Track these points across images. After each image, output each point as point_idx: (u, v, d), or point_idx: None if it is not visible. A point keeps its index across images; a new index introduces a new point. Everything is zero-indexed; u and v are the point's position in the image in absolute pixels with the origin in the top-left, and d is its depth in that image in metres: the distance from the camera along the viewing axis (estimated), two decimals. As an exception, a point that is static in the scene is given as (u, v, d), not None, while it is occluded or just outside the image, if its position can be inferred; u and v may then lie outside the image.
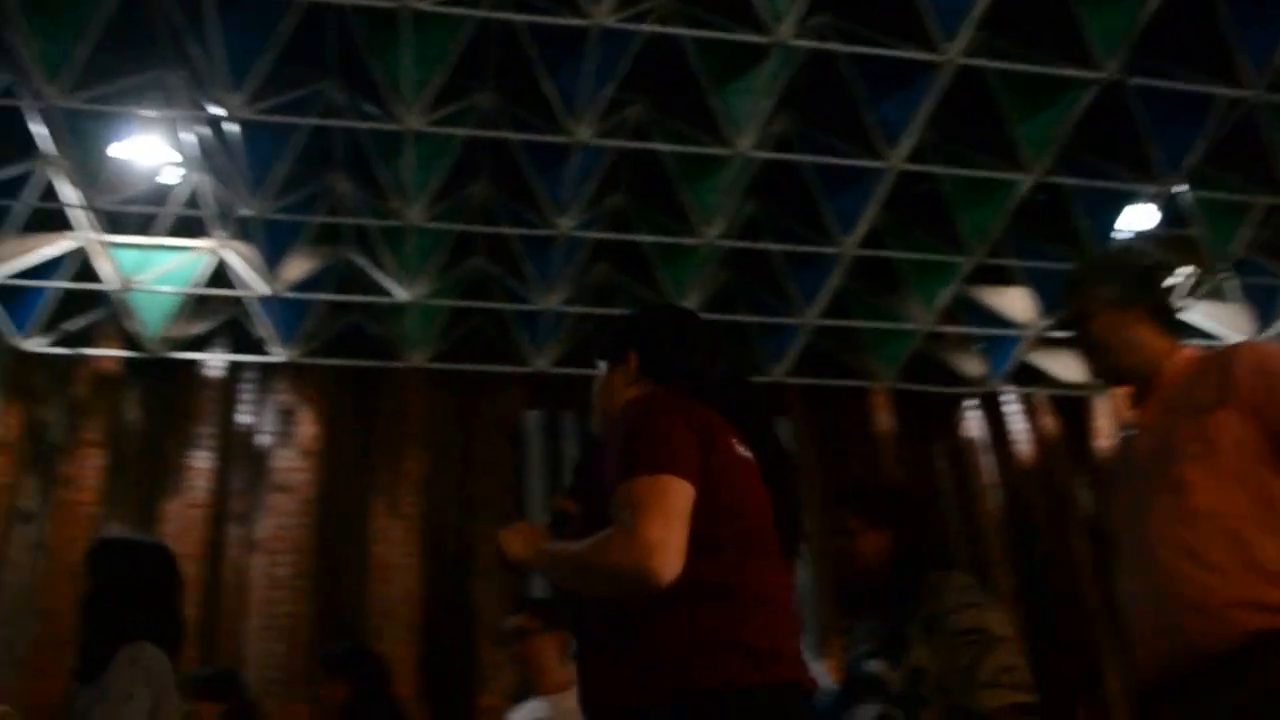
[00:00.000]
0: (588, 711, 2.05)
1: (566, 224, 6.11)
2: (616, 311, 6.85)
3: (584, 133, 5.58)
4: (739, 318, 7.03)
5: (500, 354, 6.93)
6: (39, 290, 6.67)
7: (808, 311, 6.77)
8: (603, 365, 2.37)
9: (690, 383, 2.18)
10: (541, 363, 7.03)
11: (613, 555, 1.88)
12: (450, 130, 5.68)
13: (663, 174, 6.18)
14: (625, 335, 2.31)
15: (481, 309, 6.94)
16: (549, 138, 5.72)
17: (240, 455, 6.77)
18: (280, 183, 5.98)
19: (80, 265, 6.58)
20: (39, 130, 5.65)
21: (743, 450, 2.05)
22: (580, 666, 2.10)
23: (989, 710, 2.57)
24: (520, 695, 4.24)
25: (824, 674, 3.33)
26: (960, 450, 7.56)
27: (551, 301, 6.62)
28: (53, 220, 6.40)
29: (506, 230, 6.43)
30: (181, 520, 6.50)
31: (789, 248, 6.57)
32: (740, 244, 6.45)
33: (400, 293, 6.57)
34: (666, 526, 1.85)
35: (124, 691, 2.78)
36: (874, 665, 2.86)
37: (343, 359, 7.00)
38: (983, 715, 2.57)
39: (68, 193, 6.11)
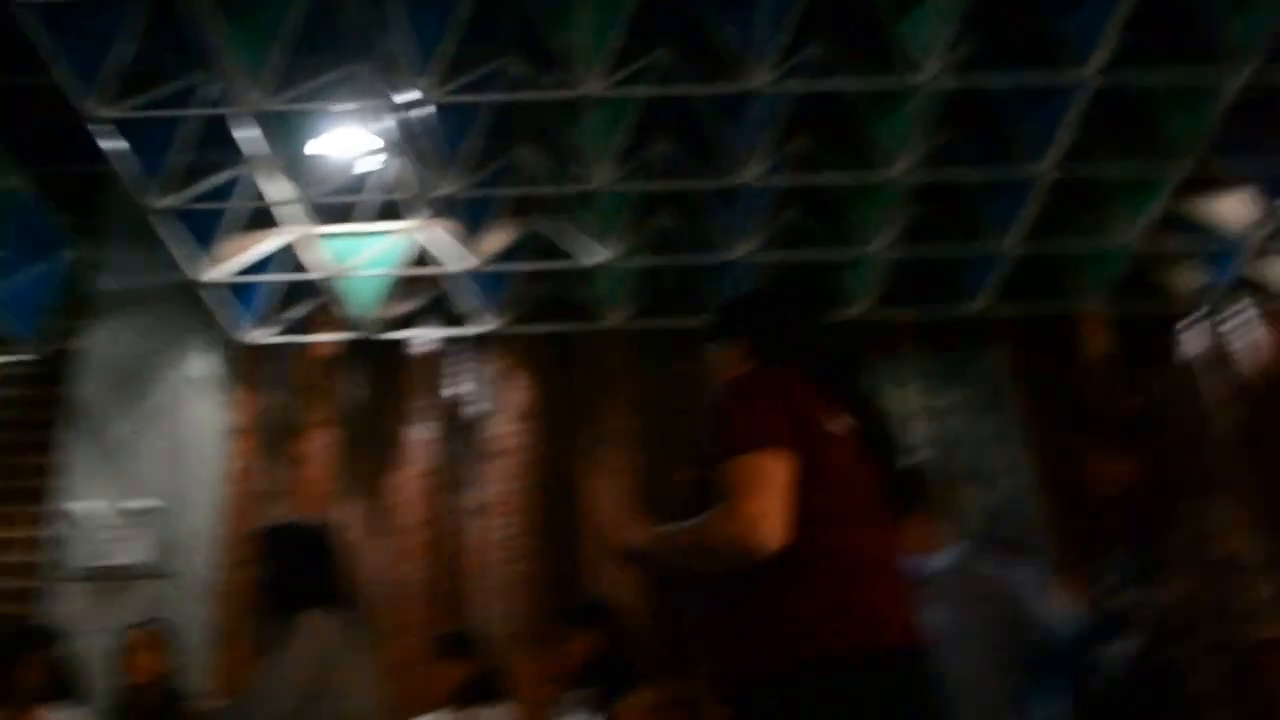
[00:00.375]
0: (710, 686, 2.15)
1: (751, 172, 6.15)
2: (809, 258, 6.88)
3: (762, 79, 5.60)
4: (935, 252, 6.93)
5: (696, 307, 7.03)
6: (259, 285, 7.15)
7: (1007, 239, 6.64)
8: (715, 347, 2.47)
9: (797, 362, 2.27)
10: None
11: (718, 531, 2.00)
12: (629, 92, 5.77)
13: (845, 113, 6.14)
14: (737, 318, 2.43)
15: (673, 265, 7.05)
16: (727, 88, 5.75)
17: (457, 425, 7.10)
18: (472, 160, 6.22)
19: (294, 258, 7.01)
20: (244, 135, 6.02)
21: (839, 423, 2.14)
22: (699, 642, 2.21)
23: (1254, 642, 2.52)
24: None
25: (1060, 607, 3.33)
26: (1180, 373, 7.28)
27: (742, 251, 6.68)
28: (265, 218, 6.83)
29: (692, 185, 6.51)
30: (409, 490, 6.88)
31: (983, 175, 6.44)
32: (931, 177, 6.36)
33: (593, 256, 6.74)
34: (767, 499, 1.96)
35: (290, 649, 3.10)
36: (1128, 596, 2.83)
37: (545, 324, 7.25)
38: (1247, 648, 2.53)
39: (276, 191, 6.49)
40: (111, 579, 6.46)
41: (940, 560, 3.40)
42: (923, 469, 2.39)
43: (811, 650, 1.96)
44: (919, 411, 7.10)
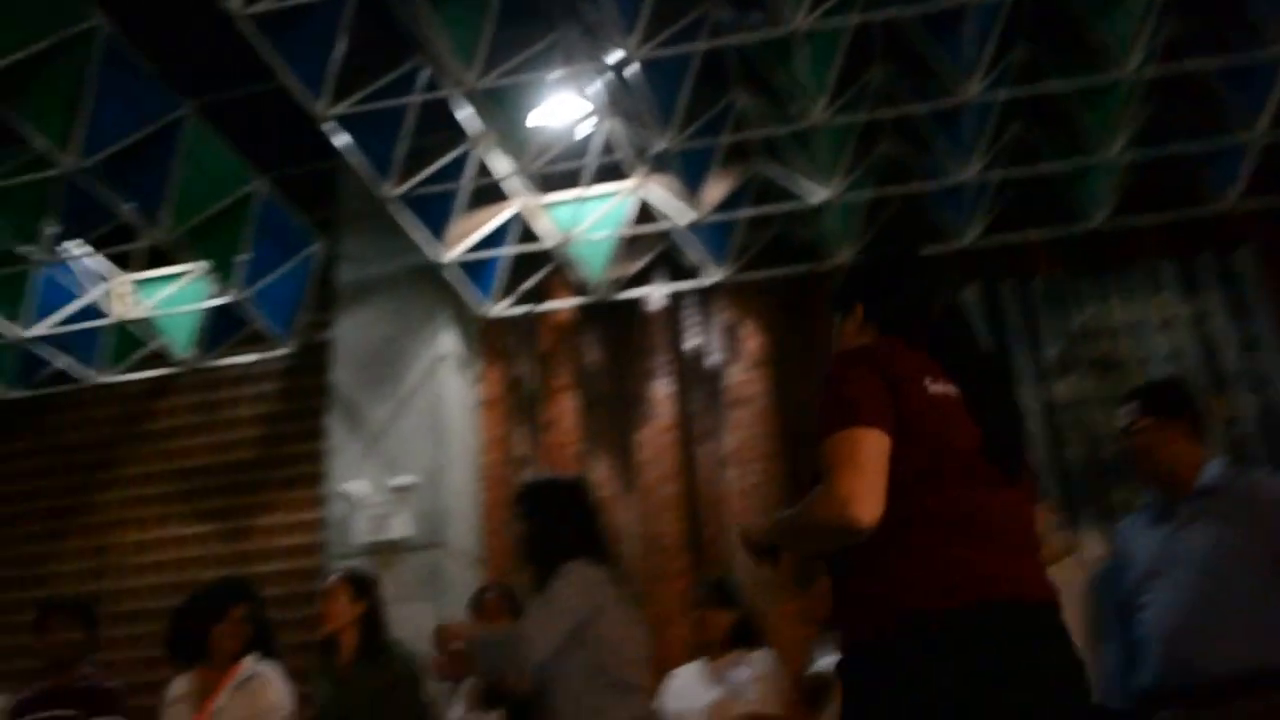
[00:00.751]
0: (839, 647, 2.22)
1: (971, 89, 5.98)
2: (1040, 172, 6.64)
3: (973, -12, 5.43)
4: (1175, 150, 6.59)
5: (926, 235, 6.90)
6: (494, 259, 7.41)
7: (1254, 127, 6.25)
8: (836, 316, 2.49)
9: (908, 327, 2.31)
10: (970, 236, 6.94)
11: (816, 512, 2.11)
12: (837, 22, 5.69)
13: (1068, 13, 5.90)
14: (850, 285, 2.49)
15: (899, 194, 6.94)
16: (936, 4, 5.61)
17: (696, 377, 7.20)
18: (685, 112, 6.27)
19: (523, 229, 7.23)
20: (462, 115, 6.24)
21: (941, 387, 2.18)
22: (830, 603, 2.30)
23: None
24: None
25: None
26: None
27: (969, 172, 6.52)
28: (491, 194, 7.07)
29: (911, 109, 6.38)
30: (654, 446, 7.03)
31: (1222, 63, 6.08)
32: (1165, 71, 6.04)
33: (816, 194, 6.70)
34: (858, 477, 2.04)
35: (554, 597, 3.19)
36: None
37: (773, 269, 7.26)
38: None
39: (499, 165, 6.71)
40: (385, 553, 6.86)
41: (1202, 477, 3.29)
42: (1029, 432, 2.35)
43: (913, 609, 2.04)
44: (1166, 321, 6.78)
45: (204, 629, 4.17)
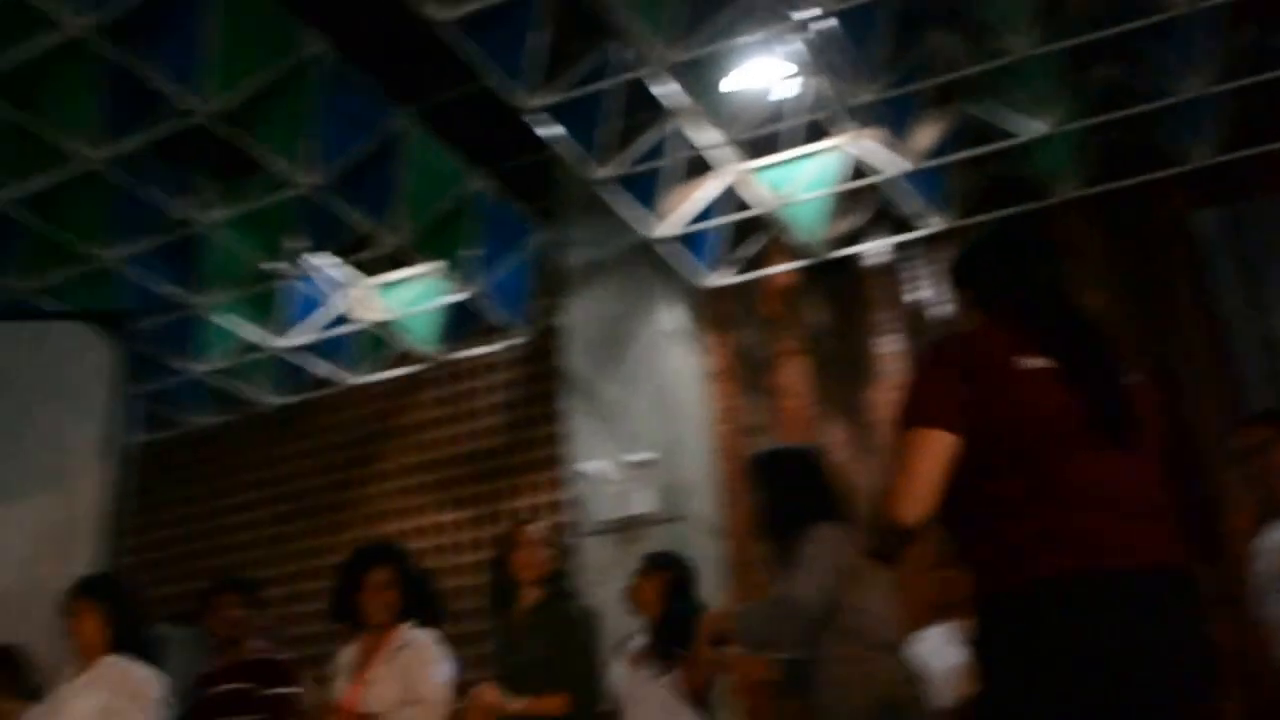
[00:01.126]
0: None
1: (1194, -5, 5.66)
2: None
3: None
4: None
5: (1154, 159, 6.58)
6: (709, 230, 7.52)
7: None
8: (956, 298, 2.66)
9: (1009, 308, 2.43)
10: (1202, 155, 6.56)
11: (874, 509, 2.32)
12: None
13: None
14: (957, 272, 2.63)
15: (1119, 118, 6.63)
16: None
17: (923, 330, 7.11)
18: (885, 60, 6.20)
19: (735, 197, 7.31)
20: (662, 90, 6.36)
21: (1034, 362, 2.26)
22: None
23: None
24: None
25: None
26: None
27: (1195, 86, 6.17)
28: (700, 165, 7.17)
29: (1123, 26, 6.08)
30: (887, 404, 6.99)
31: None
32: None
33: (1030, 128, 6.49)
34: (905, 480, 2.23)
35: (810, 559, 3.21)
36: None
37: (994, 211, 7.07)
38: None
39: (704, 136, 6.80)
40: (627, 529, 7.09)
41: None
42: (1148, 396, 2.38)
43: (1022, 576, 2.14)
44: None
45: (350, 599, 4.22)
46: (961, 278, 2.62)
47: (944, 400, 2.28)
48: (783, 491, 3.52)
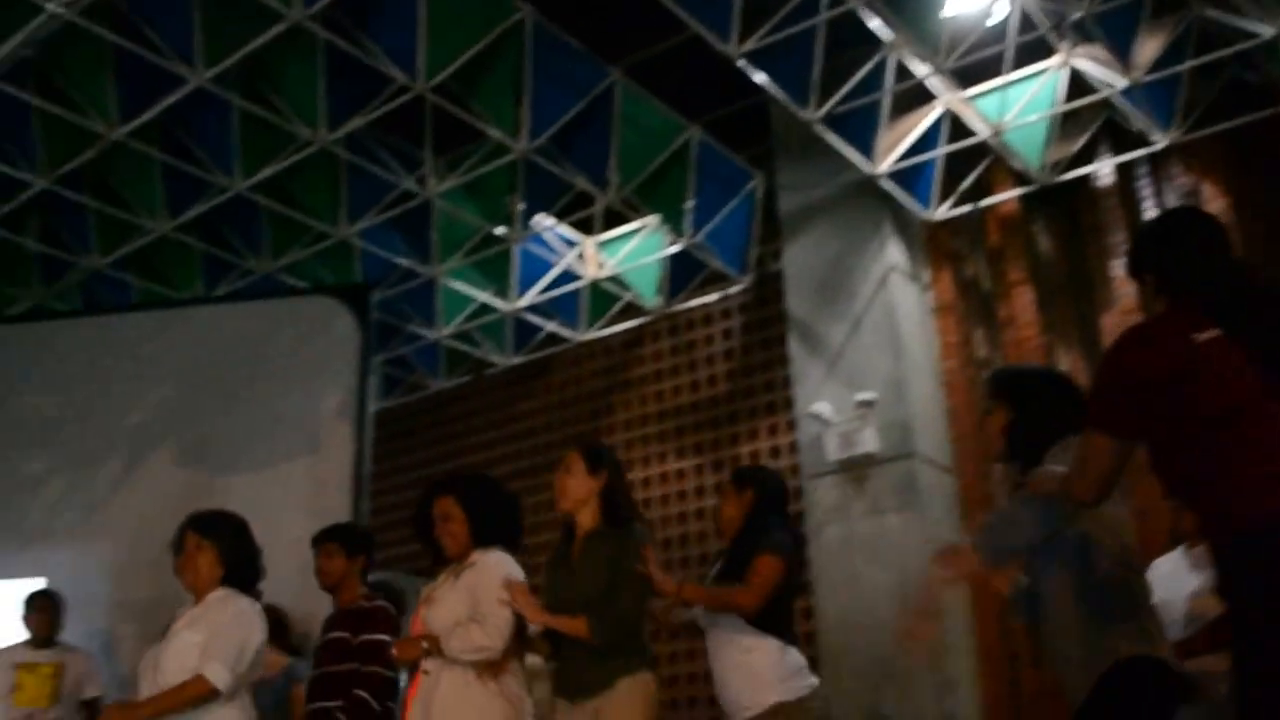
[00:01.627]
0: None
1: None
2: None
3: None
4: None
5: None
6: (929, 162, 7.47)
7: None
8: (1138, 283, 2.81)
9: (1191, 291, 2.60)
10: None
11: (1063, 486, 2.82)
12: None
13: None
14: (1137, 258, 2.79)
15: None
16: None
17: (1157, 251, 6.89)
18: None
19: (952, 127, 7.24)
20: (873, 23, 6.36)
21: (1210, 334, 2.48)
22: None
23: None
24: None
25: None
26: None
27: None
28: (914, 97, 7.14)
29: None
30: (1118, 329, 6.79)
31: None
32: None
33: (1268, 27, 6.19)
34: (1083, 470, 2.68)
35: (1048, 482, 3.18)
36: None
37: (1229, 120, 6.77)
38: None
39: (917, 67, 6.76)
40: (858, 468, 7.17)
41: None
42: None
43: (1253, 519, 2.39)
44: None
45: (427, 537, 4.16)
46: (1138, 267, 2.78)
47: (1113, 407, 2.61)
48: (1027, 410, 3.46)
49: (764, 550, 4.22)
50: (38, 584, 6.04)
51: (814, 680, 4.28)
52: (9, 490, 7.03)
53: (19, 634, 5.81)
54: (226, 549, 3.96)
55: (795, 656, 4.27)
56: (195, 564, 3.91)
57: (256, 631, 3.89)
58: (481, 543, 4.02)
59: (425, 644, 3.87)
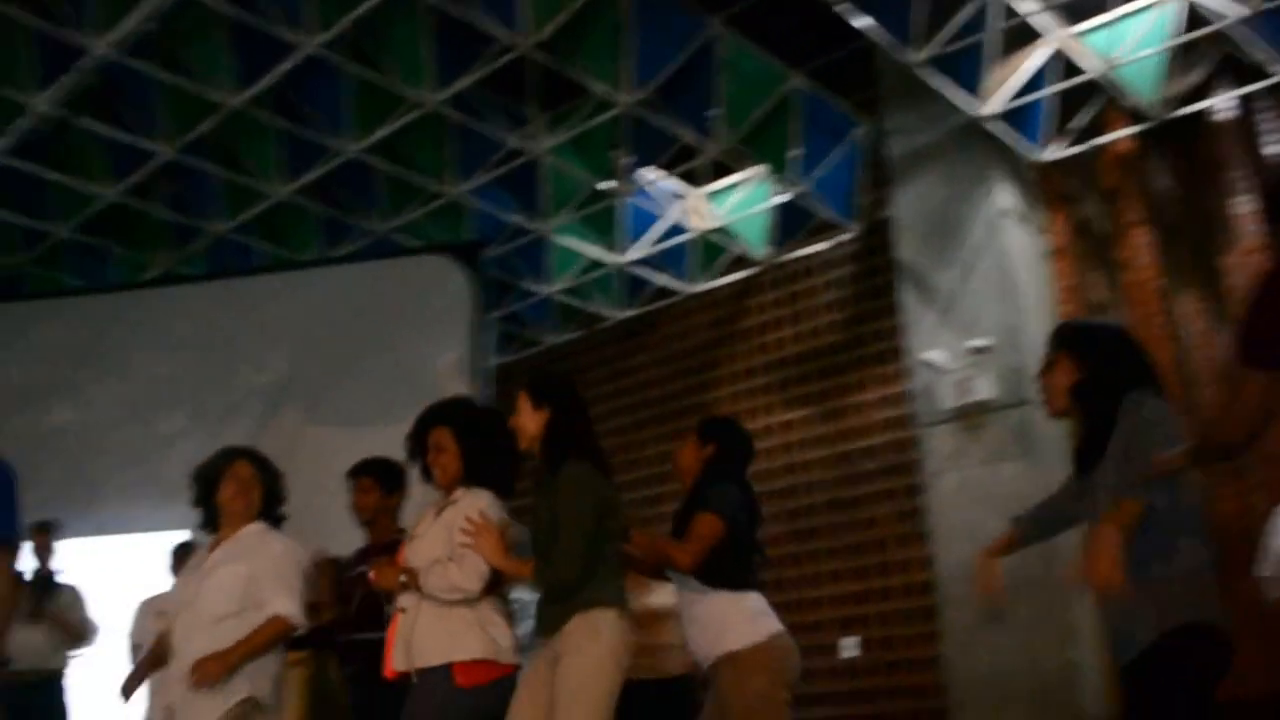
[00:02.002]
0: None
1: None
2: None
3: None
4: None
5: None
6: (1039, 102, 7.37)
7: None
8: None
9: None
10: None
11: (1207, 424, 2.81)
12: None
13: None
14: (1269, 206, 2.85)
15: None
16: None
17: (1281, 186, 6.74)
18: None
19: (1063, 64, 7.14)
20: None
21: None
22: None
23: None
24: None
25: None
26: None
27: None
28: (1022, 35, 7.05)
29: None
30: (1242, 270, 6.69)
31: None
32: None
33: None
34: (1233, 411, 2.80)
35: (1130, 426, 3.21)
36: None
37: (1357, 48, 6.59)
38: None
39: (1024, 3, 6.68)
40: (973, 415, 7.17)
41: None
42: None
43: None
44: None
45: (425, 468, 4.14)
46: (1275, 213, 2.83)
47: (1268, 343, 2.64)
48: (1099, 362, 3.48)
49: (705, 509, 4.28)
50: (182, 536, 6.37)
51: (774, 626, 4.26)
52: (148, 448, 7.45)
53: (165, 583, 6.13)
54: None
55: (751, 603, 4.27)
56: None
57: (302, 563, 4.16)
58: (472, 480, 4.02)
59: (403, 577, 3.90)
